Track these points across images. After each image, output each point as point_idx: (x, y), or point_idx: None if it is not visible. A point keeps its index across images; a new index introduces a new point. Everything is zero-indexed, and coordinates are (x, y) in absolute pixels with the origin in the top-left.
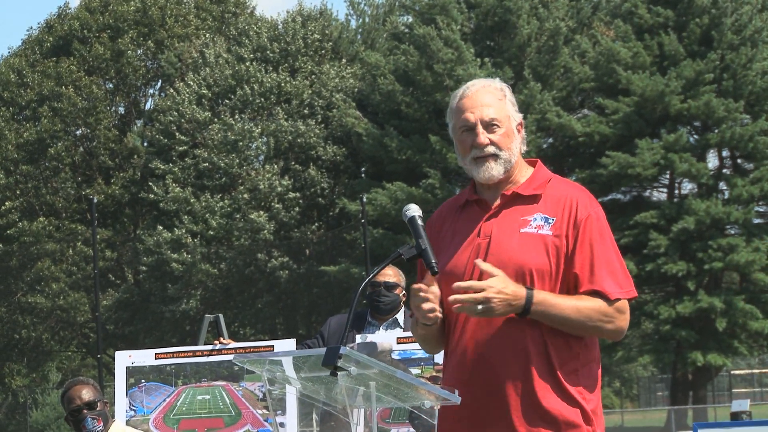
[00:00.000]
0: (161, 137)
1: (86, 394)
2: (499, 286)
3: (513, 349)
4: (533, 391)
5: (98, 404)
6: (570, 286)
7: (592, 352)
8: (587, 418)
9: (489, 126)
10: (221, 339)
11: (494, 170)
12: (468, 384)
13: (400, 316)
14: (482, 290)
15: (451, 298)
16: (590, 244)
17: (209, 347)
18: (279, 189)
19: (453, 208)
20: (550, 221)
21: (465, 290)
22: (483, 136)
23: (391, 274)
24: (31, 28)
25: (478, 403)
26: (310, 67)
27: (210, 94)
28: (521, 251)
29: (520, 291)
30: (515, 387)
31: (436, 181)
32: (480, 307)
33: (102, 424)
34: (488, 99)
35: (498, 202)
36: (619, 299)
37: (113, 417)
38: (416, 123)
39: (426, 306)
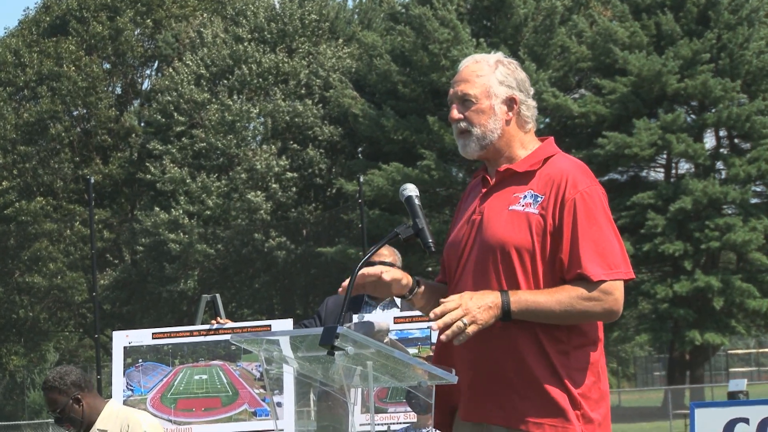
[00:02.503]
0: (159, 117)
1: (51, 400)
2: (467, 295)
3: (500, 332)
4: (520, 374)
5: (65, 409)
6: (556, 267)
7: (587, 335)
8: (575, 403)
9: (464, 102)
10: (218, 319)
11: (468, 147)
12: (455, 365)
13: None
14: (457, 305)
15: (436, 327)
16: (575, 224)
17: (206, 327)
18: (276, 169)
19: (472, 186)
20: (539, 199)
21: (442, 315)
22: (455, 111)
23: (386, 254)
24: (28, 8)
25: (466, 384)
26: (307, 47)
27: (208, 74)
28: (506, 228)
29: (492, 294)
30: (502, 369)
31: (432, 162)
32: (465, 320)
33: (73, 428)
34: (469, 74)
35: (495, 179)
36: (604, 281)
37: (110, 397)
38: (413, 103)
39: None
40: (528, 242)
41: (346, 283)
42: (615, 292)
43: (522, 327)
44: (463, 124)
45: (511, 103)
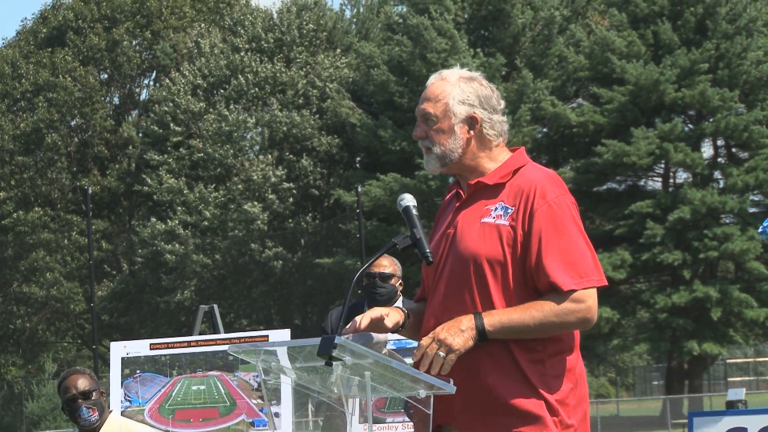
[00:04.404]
0: (156, 128)
1: (82, 383)
2: (439, 328)
3: (473, 346)
4: (494, 383)
5: (93, 393)
6: (528, 276)
7: (563, 342)
8: (552, 409)
9: (427, 120)
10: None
11: (430, 163)
12: None
13: (398, 306)
14: (431, 339)
15: (421, 369)
16: (544, 234)
17: (204, 337)
18: (273, 179)
19: (447, 200)
20: (509, 211)
21: (423, 355)
22: (418, 130)
23: (386, 264)
24: (26, 19)
25: (440, 395)
26: (304, 57)
27: (205, 84)
28: (478, 241)
29: (464, 318)
30: (476, 379)
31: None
32: (441, 353)
33: (97, 413)
34: (431, 93)
35: (466, 192)
36: (574, 290)
37: (110, 408)
38: (410, 113)
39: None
40: (499, 254)
41: (362, 325)
42: (587, 300)
43: (497, 340)
44: (426, 142)
45: (471, 122)
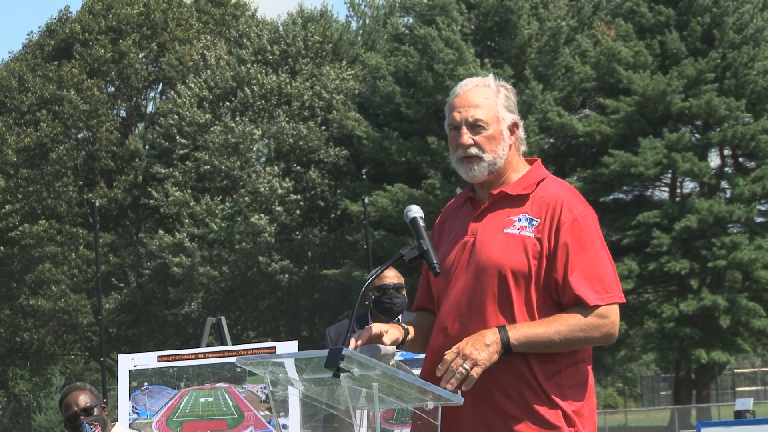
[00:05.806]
0: (162, 140)
1: (83, 399)
2: (464, 342)
3: None
4: (511, 393)
5: (95, 409)
6: (551, 289)
7: (578, 354)
8: (569, 420)
9: (474, 127)
10: None
11: (477, 171)
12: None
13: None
14: (456, 353)
15: (442, 382)
16: (571, 248)
17: (212, 349)
18: (280, 191)
19: (455, 206)
20: (534, 223)
21: (448, 367)
22: (466, 137)
23: (392, 275)
24: (32, 32)
25: (459, 413)
26: (310, 68)
27: (211, 97)
28: (501, 251)
29: (489, 332)
30: (493, 389)
31: (436, 181)
32: (466, 365)
33: (99, 429)
34: (477, 99)
35: (487, 201)
36: (599, 305)
37: (117, 420)
38: (417, 124)
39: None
40: (524, 265)
41: (360, 342)
42: (611, 315)
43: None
44: (474, 150)
45: (514, 128)
